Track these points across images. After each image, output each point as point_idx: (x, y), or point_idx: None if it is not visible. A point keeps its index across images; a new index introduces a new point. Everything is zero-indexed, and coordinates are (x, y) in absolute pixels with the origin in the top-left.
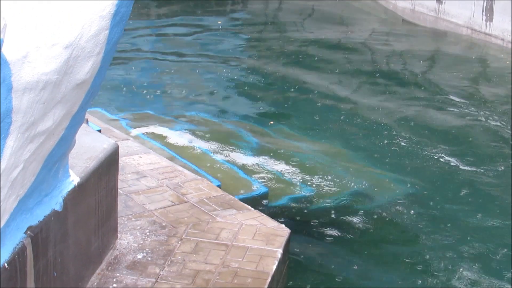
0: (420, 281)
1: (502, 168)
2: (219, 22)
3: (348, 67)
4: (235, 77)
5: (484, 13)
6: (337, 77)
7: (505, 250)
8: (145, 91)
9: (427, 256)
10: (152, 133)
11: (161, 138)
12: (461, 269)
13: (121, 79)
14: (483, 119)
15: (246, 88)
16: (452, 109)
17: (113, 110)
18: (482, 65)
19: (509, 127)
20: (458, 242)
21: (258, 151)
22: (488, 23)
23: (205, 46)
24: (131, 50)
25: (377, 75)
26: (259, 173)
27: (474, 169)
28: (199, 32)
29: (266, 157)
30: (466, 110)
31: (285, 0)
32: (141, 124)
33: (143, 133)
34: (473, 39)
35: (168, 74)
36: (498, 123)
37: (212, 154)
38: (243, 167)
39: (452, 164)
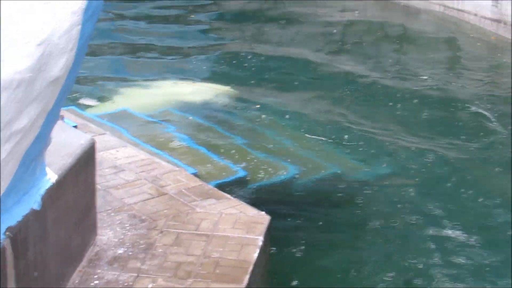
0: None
1: (480, 145)
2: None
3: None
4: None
5: None
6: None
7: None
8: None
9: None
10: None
11: (134, 132)
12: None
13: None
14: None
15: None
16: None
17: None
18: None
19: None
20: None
21: (233, 138)
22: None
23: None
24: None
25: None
26: (236, 158)
27: (449, 145)
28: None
29: (242, 143)
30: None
31: None
32: (115, 121)
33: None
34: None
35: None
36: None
37: (187, 144)
38: (220, 154)
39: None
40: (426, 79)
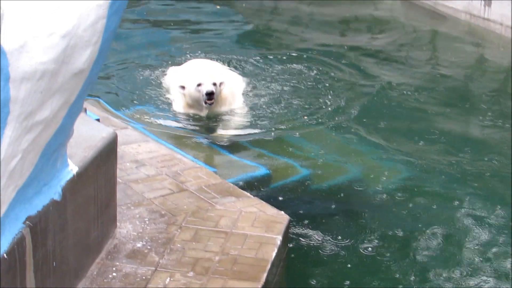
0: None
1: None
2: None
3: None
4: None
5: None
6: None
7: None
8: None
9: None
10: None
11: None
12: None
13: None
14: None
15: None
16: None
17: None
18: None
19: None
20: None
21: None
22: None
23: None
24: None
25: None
26: (260, 158)
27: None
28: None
29: (265, 144)
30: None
31: None
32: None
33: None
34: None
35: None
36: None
37: (208, 144)
38: (242, 154)
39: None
40: None
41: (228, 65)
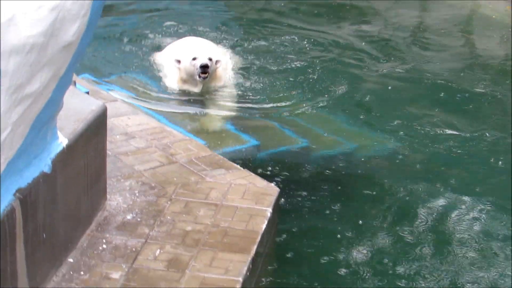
0: (411, 242)
1: (493, 129)
2: None
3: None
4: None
5: None
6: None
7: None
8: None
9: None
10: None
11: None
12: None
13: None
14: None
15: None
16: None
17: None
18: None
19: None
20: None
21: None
22: None
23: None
24: None
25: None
26: (249, 130)
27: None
28: None
29: (253, 113)
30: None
31: None
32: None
33: (127, 97)
34: None
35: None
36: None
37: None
38: (231, 126)
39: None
40: None
41: (218, 43)
